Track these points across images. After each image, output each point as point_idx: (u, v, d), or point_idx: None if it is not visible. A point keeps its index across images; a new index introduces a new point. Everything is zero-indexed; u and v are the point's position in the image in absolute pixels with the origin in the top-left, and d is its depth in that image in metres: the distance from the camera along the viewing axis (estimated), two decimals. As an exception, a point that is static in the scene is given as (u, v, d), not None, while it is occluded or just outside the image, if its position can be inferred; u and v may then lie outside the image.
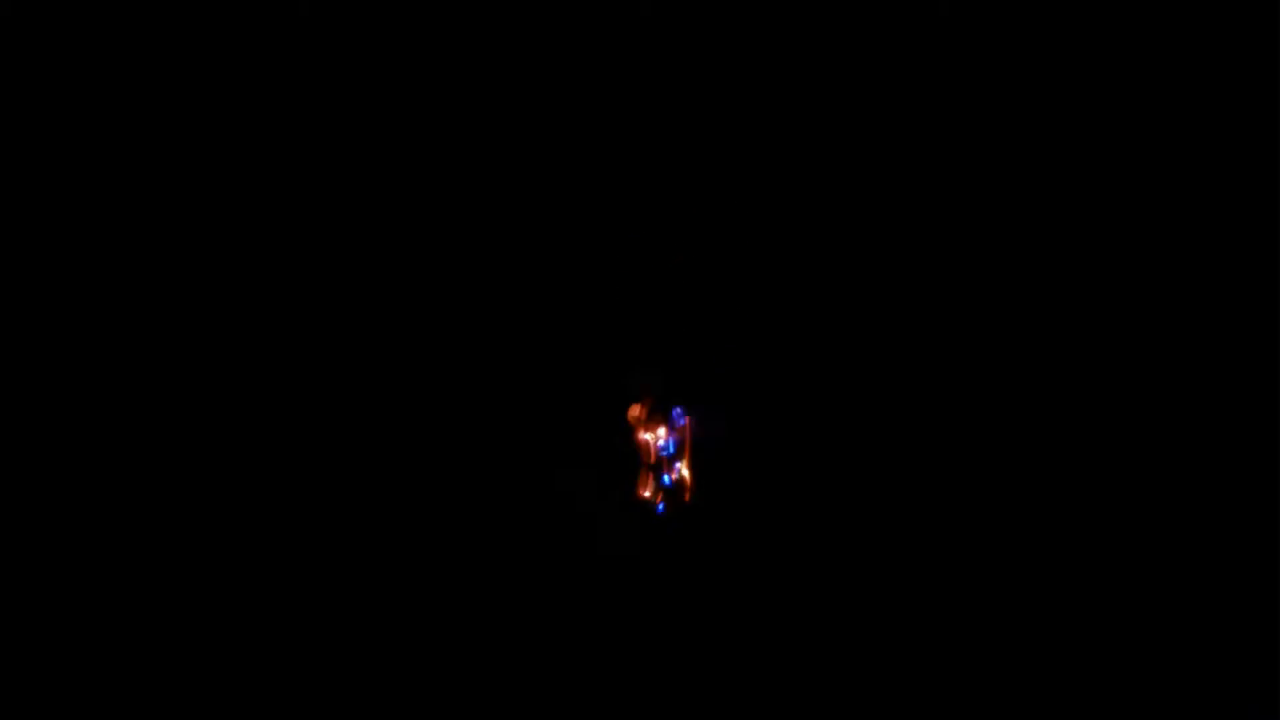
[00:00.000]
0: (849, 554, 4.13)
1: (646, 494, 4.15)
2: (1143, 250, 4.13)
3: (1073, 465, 4.10)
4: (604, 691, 3.99)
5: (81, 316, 4.12)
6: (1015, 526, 4.10)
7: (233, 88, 4.19)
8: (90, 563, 4.03)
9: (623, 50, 4.23)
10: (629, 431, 4.16)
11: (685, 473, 4.16)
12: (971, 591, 4.06)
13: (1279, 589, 3.90)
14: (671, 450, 4.16)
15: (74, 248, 4.12)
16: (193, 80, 4.17)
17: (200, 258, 4.18)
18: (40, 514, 4.03)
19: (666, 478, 4.16)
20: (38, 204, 4.11)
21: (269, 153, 4.21)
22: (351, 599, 4.08)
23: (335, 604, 4.07)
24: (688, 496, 4.15)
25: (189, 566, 4.06)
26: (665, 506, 4.15)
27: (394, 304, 4.22)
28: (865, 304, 4.23)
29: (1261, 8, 4.02)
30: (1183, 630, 3.96)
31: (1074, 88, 4.16)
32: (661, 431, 4.15)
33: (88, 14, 4.11)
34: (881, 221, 4.24)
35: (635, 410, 4.16)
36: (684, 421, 4.17)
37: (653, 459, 4.16)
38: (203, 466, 4.12)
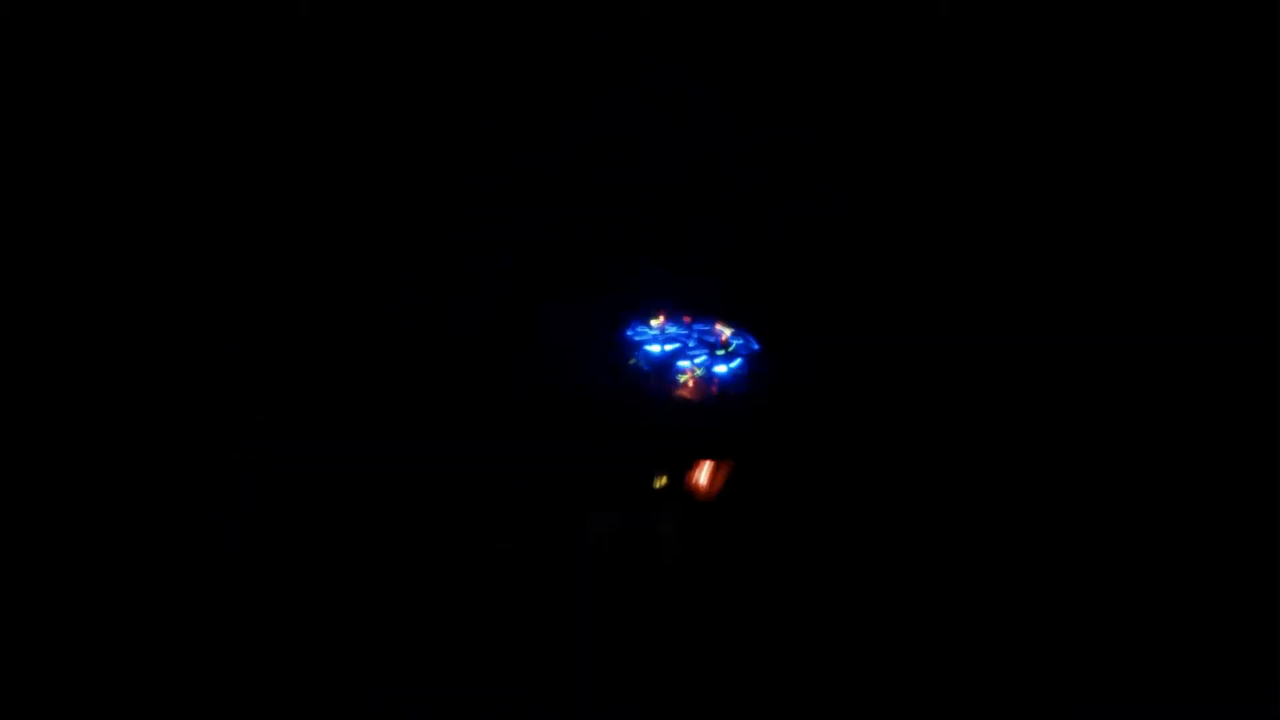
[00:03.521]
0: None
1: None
2: (1143, 251, 4.14)
3: (1075, 467, 4.11)
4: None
5: (80, 316, 4.12)
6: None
7: (232, 88, 4.19)
8: (89, 563, 4.03)
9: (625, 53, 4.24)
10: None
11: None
12: (972, 591, 4.06)
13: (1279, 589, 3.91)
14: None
15: (73, 247, 4.12)
16: (193, 80, 4.18)
17: (198, 258, 4.18)
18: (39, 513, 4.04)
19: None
20: (37, 204, 4.11)
21: (268, 153, 4.21)
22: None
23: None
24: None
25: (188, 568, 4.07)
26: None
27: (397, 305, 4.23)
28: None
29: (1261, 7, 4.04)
30: (1182, 630, 3.96)
31: (1074, 88, 4.17)
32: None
33: (87, 14, 4.11)
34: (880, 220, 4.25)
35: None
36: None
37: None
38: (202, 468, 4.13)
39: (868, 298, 4.22)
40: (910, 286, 4.21)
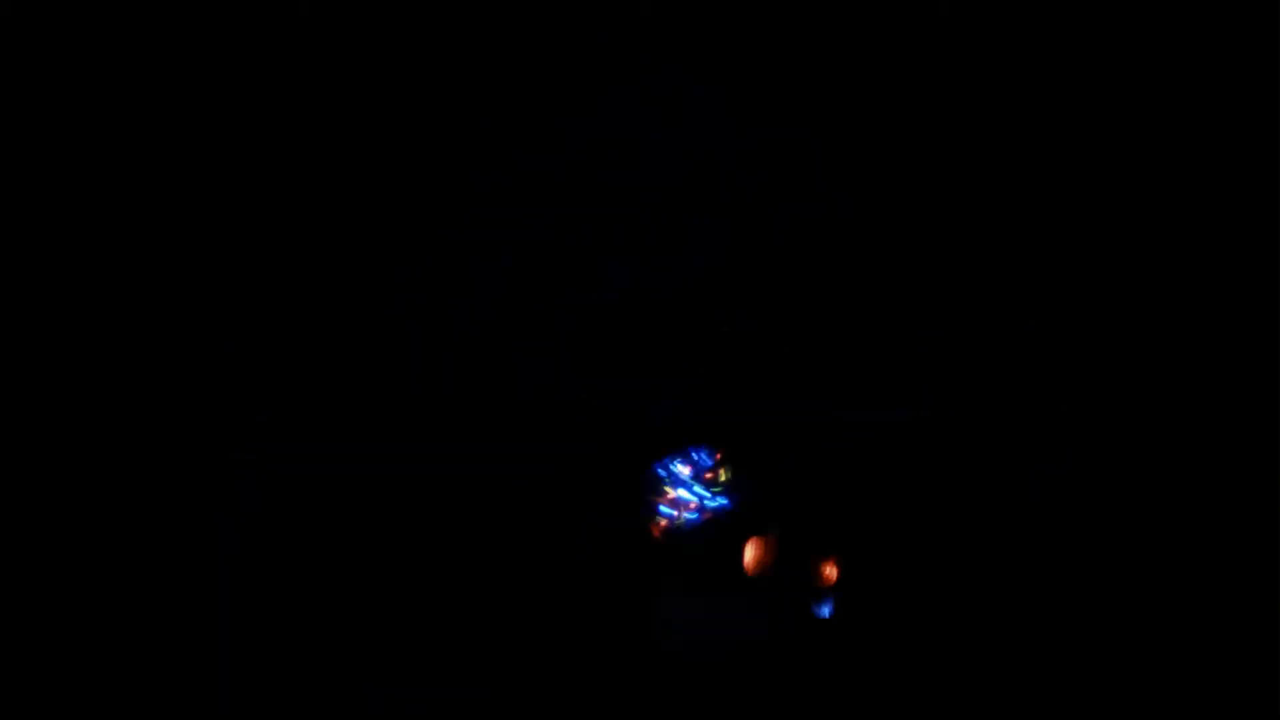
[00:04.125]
0: None
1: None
2: (1143, 251, 4.14)
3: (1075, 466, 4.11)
4: None
5: (80, 316, 4.12)
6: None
7: (232, 87, 4.19)
8: (89, 563, 4.03)
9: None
10: None
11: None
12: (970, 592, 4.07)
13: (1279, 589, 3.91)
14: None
15: (73, 247, 4.12)
16: (192, 80, 4.17)
17: (198, 257, 4.18)
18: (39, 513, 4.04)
19: None
20: (37, 204, 4.11)
21: (267, 152, 4.21)
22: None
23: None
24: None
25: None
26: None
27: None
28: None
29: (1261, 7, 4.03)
30: (1182, 630, 3.96)
31: (1075, 88, 4.17)
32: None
33: (87, 14, 4.11)
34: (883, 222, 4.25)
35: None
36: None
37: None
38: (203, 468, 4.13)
39: (867, 298, 4.22)
40: (910, 287, 4.22)
